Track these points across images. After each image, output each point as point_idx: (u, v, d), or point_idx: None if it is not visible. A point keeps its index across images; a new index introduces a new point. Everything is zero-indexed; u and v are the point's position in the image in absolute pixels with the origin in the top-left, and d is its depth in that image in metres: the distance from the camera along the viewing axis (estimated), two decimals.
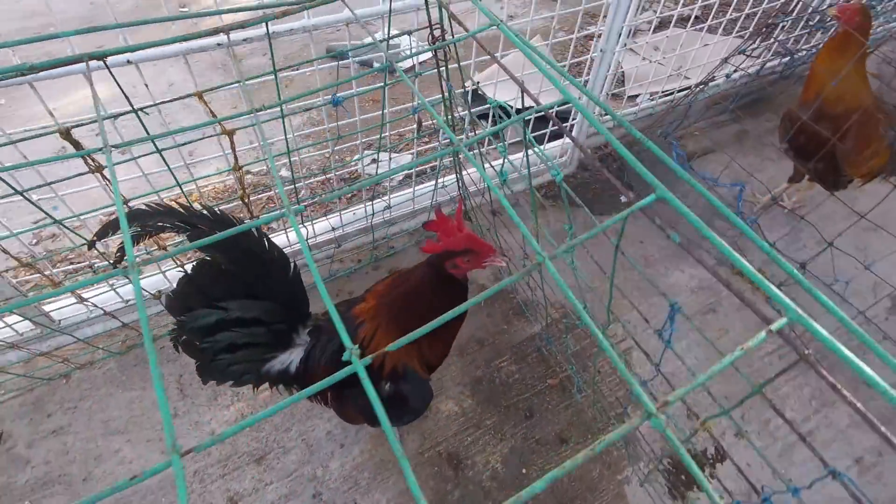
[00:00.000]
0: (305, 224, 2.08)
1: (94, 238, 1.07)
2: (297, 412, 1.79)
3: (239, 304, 1.19)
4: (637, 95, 2.98)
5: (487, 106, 1.79)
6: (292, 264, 1.25)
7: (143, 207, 1.09)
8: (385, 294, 1.36)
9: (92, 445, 1.71)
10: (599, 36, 2.16)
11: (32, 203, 1.24)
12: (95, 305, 1.72)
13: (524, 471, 1.76)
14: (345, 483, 1.68)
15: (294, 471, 1.69)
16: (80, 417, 1.76)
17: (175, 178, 1.38)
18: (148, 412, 1.79)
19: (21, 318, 1.68)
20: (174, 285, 1.17)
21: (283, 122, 1.36)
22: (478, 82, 2.99)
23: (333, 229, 2.12)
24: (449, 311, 1.55)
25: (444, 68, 1.43)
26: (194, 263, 1.14)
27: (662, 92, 2.82)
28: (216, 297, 1.17)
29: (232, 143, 1.21)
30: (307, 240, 2.12)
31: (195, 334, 1.21)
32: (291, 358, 1.37)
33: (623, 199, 2.74)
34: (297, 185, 1.83)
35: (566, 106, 2.55)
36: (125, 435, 1.73)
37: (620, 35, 2.08)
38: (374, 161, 2.60)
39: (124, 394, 1.82)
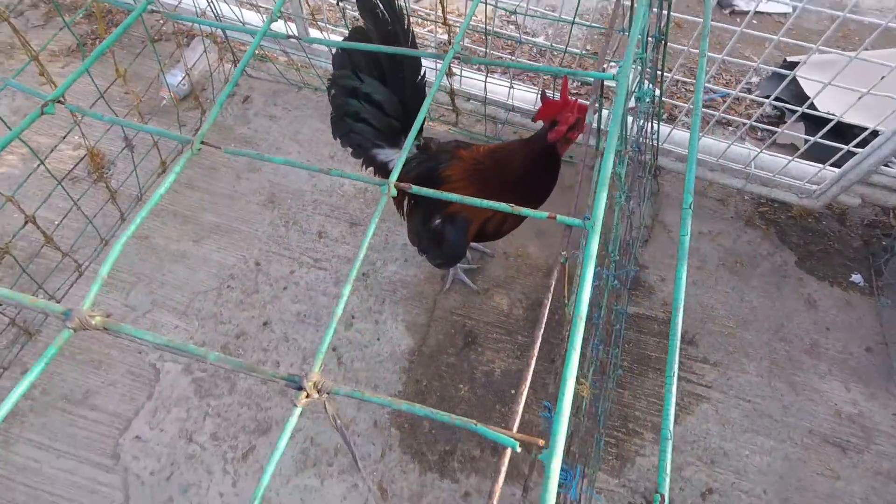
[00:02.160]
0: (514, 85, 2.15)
1: None
2: (395, 216, 2.08)
3: (371, 83, 1.41)
4: None
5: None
6: (423, 72, 1.39)
7: None
8: (489, 153, 1.46)
9: (280, 139, 2.28)
10: None
11: None
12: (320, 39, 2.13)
13: (513, 391, 1.81)
14: (388, 285, 1.97)
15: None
16: (286, 118, 2.34)
17: None
18: (320, 144, 2.28)
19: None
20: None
21: None
22: (802, 61, 2.40)
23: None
24: (536, 186, 1.59)
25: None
26: (352, 27, 1.35)
27: None
28: (359, 68, 1.39)
29: None
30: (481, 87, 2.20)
31: (338, 90, 1.48)
32: (394, 157, 1.58)
33: (855, 278, 2.14)
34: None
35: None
36: (300, 147, 2.26)
37: None
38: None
39: (317, 123, 2.33)
